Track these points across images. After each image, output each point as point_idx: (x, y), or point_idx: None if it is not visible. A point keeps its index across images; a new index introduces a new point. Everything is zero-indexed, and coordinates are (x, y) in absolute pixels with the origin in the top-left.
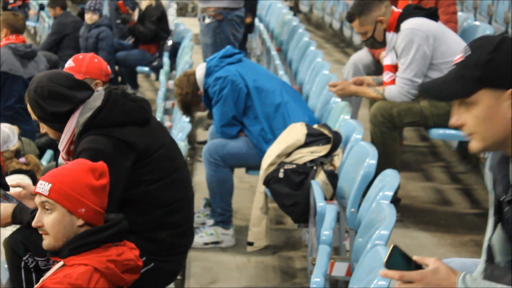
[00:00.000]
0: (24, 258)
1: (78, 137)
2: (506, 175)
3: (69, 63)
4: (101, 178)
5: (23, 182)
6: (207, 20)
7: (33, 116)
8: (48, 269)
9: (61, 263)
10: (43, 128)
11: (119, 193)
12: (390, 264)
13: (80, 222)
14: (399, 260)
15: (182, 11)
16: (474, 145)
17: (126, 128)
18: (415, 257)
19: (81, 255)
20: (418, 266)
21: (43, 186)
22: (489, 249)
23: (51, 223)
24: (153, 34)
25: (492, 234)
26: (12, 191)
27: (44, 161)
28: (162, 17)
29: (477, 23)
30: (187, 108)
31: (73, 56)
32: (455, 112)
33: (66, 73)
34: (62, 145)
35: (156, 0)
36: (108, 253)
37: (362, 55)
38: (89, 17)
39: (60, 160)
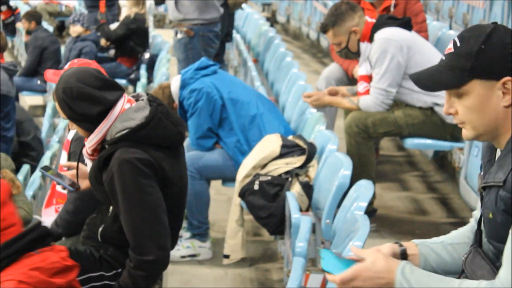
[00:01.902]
0: None
1: (111, 143)
2: (490, 161)
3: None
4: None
5: (72, 162)
6: (179, 35)
7: (62, 115)
8: None
9: None
10: (73, 126)
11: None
12: (326, 267)
13: None
14: (333, 261)
15: (159, 23)
16: (466, 134)
17: (159, 152)
18: (351, 254)
19: (5, 270)
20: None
21: None
22: (476, 234)
23: None
24: (120, 39)
25: (480, 220)
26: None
27: (20, 176)
28: (138, 32)
29: (452, 32)
30: None
31: (70, 62)
32: (447, 101)
33: (95, 71)
34: (90, 143)
35: (135, 14)
36: (30, 261)
37: (334, 69)
38: (74, 30)
39: (84, 152)
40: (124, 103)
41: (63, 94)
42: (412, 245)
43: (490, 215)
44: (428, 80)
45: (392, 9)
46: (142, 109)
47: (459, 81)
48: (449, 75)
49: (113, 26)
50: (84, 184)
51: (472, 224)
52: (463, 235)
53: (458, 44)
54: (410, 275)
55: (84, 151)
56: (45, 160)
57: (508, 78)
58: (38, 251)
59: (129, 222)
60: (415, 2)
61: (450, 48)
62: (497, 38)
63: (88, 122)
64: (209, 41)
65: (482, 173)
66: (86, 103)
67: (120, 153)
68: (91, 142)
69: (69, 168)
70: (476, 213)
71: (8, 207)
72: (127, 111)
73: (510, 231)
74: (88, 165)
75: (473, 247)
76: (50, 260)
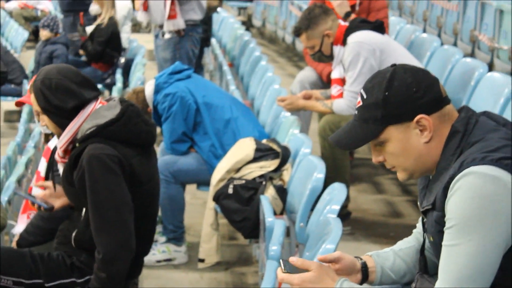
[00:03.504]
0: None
1: (81, 140)
2: (425, 188)
3: None
4: None
5: (47, 182)
6: (167, 36)
7: (35, 107)
8: None
9: None
10: (43, 121)
11: (129, 204)
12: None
13: None
14: (292, 270)
15: (136, 27)
16: (400, 176)
17: (128, 149)
18: (297, 263)
19: None
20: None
21: None
22: (420, 261)
23: None
24: (99, 55)
25: (423, 246)
26: (37, 191)
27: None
28: (112, 38)
29: (425, 35)
30: None
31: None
32: (373, 151)
33: (75, 69)
34: (61, 143)
35: (109, 19)
36: None
37: (308, 73)
38: (42, 34)
39: (56, 156)
40: (96, 104)
41: (42, 84)
42: (368, 257)
43: (431, 238)
44: (346, 138)
45: (357, 7)
46: (113, 107)
47: (374, 132)
48: (364, 128)
49: (89, 29)
50: (58, 202)
51: (416, 235)
52: (408, 241)
53: (365, 96)
54: None
55: (56, 156)
56: (20, 166)
57: (419, 116)
58: None
59: (94, 219)
60: None
61: (359, 101)
62: (399, 81)
63: (61, 117)
64: (196, 42)
65: (418, 201)
66: (63, 96)
67: (89, 149)
68: (62, 140)
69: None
70: (417, 231)
71: None
72: (98, 109)
73: (443, 245)
74: (60, 171)
75: (418, 274)
76: None
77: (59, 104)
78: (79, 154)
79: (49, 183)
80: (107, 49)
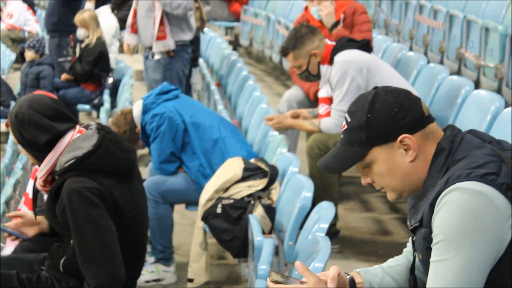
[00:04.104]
0: None
1: (60, 173)
2: (413, 206)
3: None
4: None
5: (20, 212)
6: (157, 57)
7: (14, 140)
8: None
9: None
10: (23, 151)
11: (114, 238)
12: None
13: None
14: (283, 281)
15: (121, 48)
16: (389, 196)
17: (108, 180)
18: (300, 270)
19: None
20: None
21: None
22: (410, 280)
23: None
24: (88, 75)
25: (413, 265)
26: (10, 222)
27: None
28: (100, 57)
29: (411, 53)
30: None
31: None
32: (361, 173)
33: (48, 101)
34: (40, 174)
35: (97, 39)
36: None
37: (295, 92)
38: (27, 55)
39: (37, 185)
40: (74, 134)
41: (15, 118)
42: (356, 274)
43: (420, 256)
44: (334, 162)
45: (341, 23)
46: (90, 137)
47: (360, 154)
48: (350, 151)
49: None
50: (32, 232)
51: (406, 254)
52: (397, 259)
53: (349, 120)
54: None
55: (37, 184)
56: (8, 188)
57: (402, 135)
58: None
59: (80, 253)
60: (361, 13)
61: (344, 125)
62: (380, 102)
63: (37, 150)
64: (186, 62)
65: (408, 220)
66: (34, 130)
67: (69, 183)
68: (41, 172)
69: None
70: (407, 250)
71: None
72: (75, 140)
73: (430, 262)
74: (44, 198)
75: None
76: None
77: (32, 139)
78: (59, 187)
79: (22, 213)
80: (95, 69)
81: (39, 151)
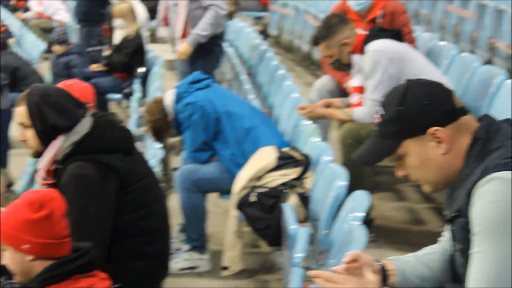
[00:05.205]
0: (0, 281)
1: (63, 161)
2: (450, 197)
3: None
4: (40, 210)
5: None
6: None
7: (22, 120)
8: None
9: None
10: (25, 136)
11: (109, 217)
12: None
13: (30, 257)
14: None
15: (153, 37)
16: (425, 189)
17: (112, 155)
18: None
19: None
20: None
21: None
22: (449, 271)
23: (7, 261)
24: (125, 66)
25: (452, 255)
26: None
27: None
28: (138, 50)
29: (442, 43)
30: (158, 135)
31: (61, 82)
32: (396, 166)
33: (67, 91)
34: (42, 163)
35: (136, 31)
36: (77, 285)
37: (326, 81)
38: (55, 49)
39: (37, 178)
40: None
41: (40, 99)
42: (388, 261)
43: (459, 246)
44: (367, 155)
45: (380, 19)
46: (86, 122)
47: (391, 146)
48: (382, 144)
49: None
50: None
51: (442, 243)
52: (432, 248)
53: (382, 113)
54: None
55: (37, 179)
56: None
57: (434, 128)
58: (85, 275)
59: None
60: (401, 14)
61: (377, 118)
62: (411, 95)
63: (49, 133)
64: (215, 54)
65: (444, 211)
66: (58, 114)
67: (67, 170)
68: (43, 161)
69: None
70: (444, 239)
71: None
72: (74, 128)
73: (471, 253)
74: None
75: (448, 284)
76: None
77: (54, 122)
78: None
79: None
80: (132, 61)
81: (50, 136)
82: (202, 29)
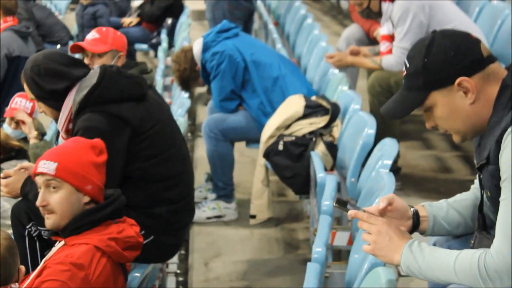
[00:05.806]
0: (27, 227)
1: (75, 115)
2: (479, 145)
3: (94, 35)
4: (101, 155)
5: (25, 163)
6: None
7: (30, 96)
8: (50, 239)
9: (62, 242)
10: (41, 108)
11: (119, 169)
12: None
13: (87, 199)
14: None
15: None
16: (454, 139)
17: (122, 104)
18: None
19: (82, 234)
20: None
21: (48, 165)
22: (479, 219)
23: (58, 201)
24: (155, 18)
25: (482, 203)
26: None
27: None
28: (173, 6)
29: None
30: (186, 84)
31: (96, 28)
32: (425, 118)
33: (61, 51)
34: (60, 124)
35: None
36: (108, 231)
37: (354, 30)
38: (82, 0)
39: (60, 139)
40: None
41: (31, 72)
42: (420, 207)
43: (488, 193)
44: (394, 108)
45: None
46: (93, 76)
47: (419, 99)
48: (410, 96)
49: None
50: None
51: (473, 190)
52: (464, 194)
53: (408, 65)
54: (417, 248)
55: (60, 140)
56: None
57: (461, 78)
58: (116, 221)
59: None
60: None
61: (404, 71)
62: (437, 46)
63: (56, 100)
64: (236, 3)
65: (475, 159)
66: (53, 79)
67: (79, 121)
68: (61, 122)
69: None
70: (475, 187)
71: None
72: (82, 81)
73: (500, 200)
74: None
75: (477, 232)
76: (126, 233)
77: (52, 87)
78: None
79: (28, 164)
80: (162, 15)
81: (58, 101)
82: None
